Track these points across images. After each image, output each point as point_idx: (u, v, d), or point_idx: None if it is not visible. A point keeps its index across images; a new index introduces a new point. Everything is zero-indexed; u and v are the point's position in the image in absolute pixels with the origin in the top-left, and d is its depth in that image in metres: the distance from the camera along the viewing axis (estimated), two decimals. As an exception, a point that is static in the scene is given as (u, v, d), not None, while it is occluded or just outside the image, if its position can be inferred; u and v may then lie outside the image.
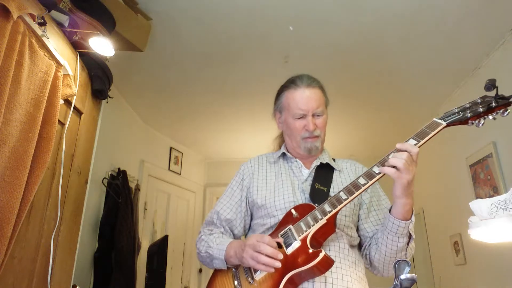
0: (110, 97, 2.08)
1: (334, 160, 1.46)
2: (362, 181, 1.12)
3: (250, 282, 1.15)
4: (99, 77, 1.94)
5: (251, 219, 1.40)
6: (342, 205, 1.12)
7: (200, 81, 3.08)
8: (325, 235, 1.16)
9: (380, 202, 1.36)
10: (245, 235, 1.43)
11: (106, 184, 3.01)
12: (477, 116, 1.11)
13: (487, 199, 1.08)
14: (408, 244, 1.18)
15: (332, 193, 1.29)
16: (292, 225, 1.17)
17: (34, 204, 1.49)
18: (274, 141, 1.59)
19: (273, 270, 1.08)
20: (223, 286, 1.22)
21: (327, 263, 1.09)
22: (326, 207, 1.15)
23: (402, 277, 0.84)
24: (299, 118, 1.33)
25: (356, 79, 2.99)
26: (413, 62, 2.77)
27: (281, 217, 1.25)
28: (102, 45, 1.82)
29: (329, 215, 1.12)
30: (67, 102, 1.69)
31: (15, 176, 1.26)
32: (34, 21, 1.41)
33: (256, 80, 3.04)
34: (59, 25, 1.67)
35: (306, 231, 1.13)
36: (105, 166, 3.08)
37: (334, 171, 1.39)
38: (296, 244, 1.12)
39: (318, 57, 2.67)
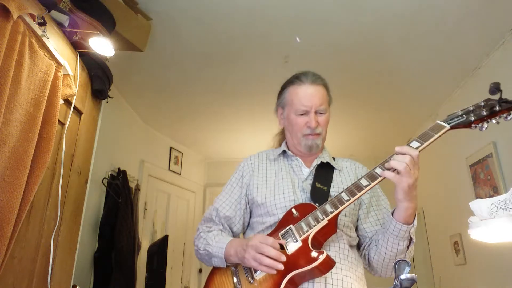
0: (110, 97, 2.08)
1: (334, 159, 1.46)
2: (364, 182, 1.12)
3: (250, 282, 1.15)
4: (99, 77, 1.94)
5: (250, 217, 1.39)
6: (344, 206, 1.12)
7: (200, 81, 3.08)
8: (326, 236, 1.16)
9: (379, 202, 1.36)
10: (244, 233, 1.42)
11: (106, 184, 3.01)
12: (481, 119, 1.10)
13: (487, 199, 1.08)
14: (408, 247, 1.18)
15: (332, 193, 1.29)
16: (293, 224, 1.17)
17: (34, 204, 1.49)
18: (274, 138, 1.58)
19: (275, 272, 1.07)
20: (222, 284, 1.21)
21: (329, 264, 1.09)
22: (328, 207, 1.14)
23: (402, 277, 0.84)
24: (302, 115, 1.33)
25: (356, 79, 2.99)
26: (413, 62, 2.77)
27: (281, 216, 1.24)
28: (102, 45, 1.82)
29: (330, 216, 1.12)
30: (67, 102, 1.69)
31: (15, 176, 1.26)
32: (34, 21, 1.41)
33: (256, 80, 3.05)
34: (59, 25, 1.67)
35: (307, 231, 1.13)
36: (105, 166, 3.08)
37: (334, 170, 1.39)
38: (297, 244, 1.12)
39: (318, 57, 2.67)
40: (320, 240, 1.15)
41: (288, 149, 1.44)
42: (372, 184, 1.10)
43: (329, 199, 1.26)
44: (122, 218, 2.92)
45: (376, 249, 1.24)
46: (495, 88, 1.09)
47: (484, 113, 1.10)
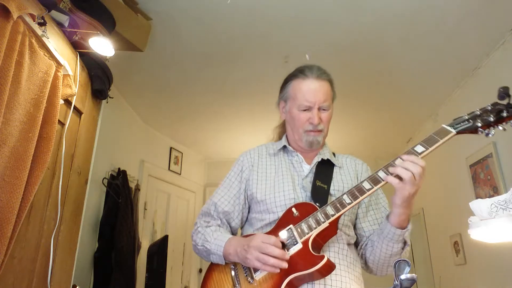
0: (110, 97, 2.08)
1: (334, 154, 1.44)
2: (367, 185, 1.10)
3: (249, 282, 1.15)
4: (99, 77, 1.94)
5: (249, 212, 1.37)
6: (346, 209, 1.11)
7: (200, 81, 3.08)
8: (326, 238, 1.16)
9: (378, 201, 1.36)
10: (242, 227, 1.40)
11: (106, 184, 3.01)
12: (487, 125, 1.08)
13: (487, 199, 1.08)
14: (403, 249, 1.19)
15: (332, 191, 1.29)
16: (293, 225, 1.17)
17: (34, 204, 1.49)
18: (274, 130, 1.55)
19: (279, 271, 1.08)
20: (220, 282, 1.21)
21: (329, 268, 1.09)
22: (329, 210, 1.13)
23: (402, 277, 0.84)
24: (304, 110, 1.30)
25: (356, 79, 2.99)
26: (413, 62, 2.77)
27: (280, 214, 1.24)
28: (102, 45, 1.82)
29: (332, 218, 1.12)
30: (67, 102, 1.69)
31: (15, 176, 1.26)
32: (34, 21, 1.41)
33: (256, 80, 3.05)
34: (59, 25, 1.67)
35: (308, 233, 1.12)
36: (105, 166, 3.08)
37: (334, 167, 1.37)
38: (297, 246, 1.11)
39: (318, 57, 2.67)
40: (320, 242, 1.15)
41: (289, 144, 1.41)
42: (375, 188, 1.09)
43: (329, 197, 1.27)
44: (122, 218, 2.92)
45: (371, 249, 1.24)
46: (504, 93, 1.06)
47: (491, 119, 1.07)
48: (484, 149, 2.66)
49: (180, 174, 4.41)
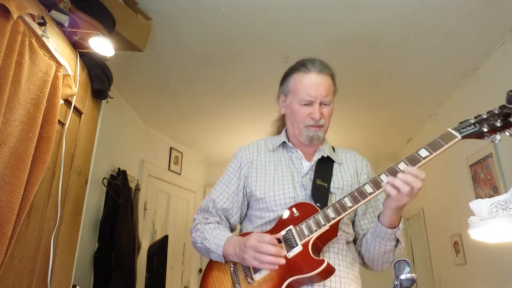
0: (110, 97, 2.08)
1: (333, 149, 1.43)
2: (369, 189, 1.09)
3: (249, 282, 1.15)
4: (99, 77, 1.94)
5: (248, 207, 1.37)
6: (346, 213, 1.11)
7: (200, 81, 3.08)
8: (326, 240, 1.16)
9: (377, 198, 1.35)
10: (241, 223, 1.40)
11: (106, 184, 3.01)
12: (494, 131, 1.04)
13: (487, 199, 1.08)
14: (396, 246, 1.20)
15: (332, 189, 1.28)
16: (293, 226, 1.16)
17: (34, 204, 1.48)
18: (273, 124, 1.52)
19: (277, 267, 1.08)
20: (220, 281, 1.21)
21: (329, 272, 1.09)
22: (330, 212, 1.12)
23: (402, 277, 0.85)
24: (306, 105, 1.27)
25: (356, 79, 2.98)
26: (413, 62, 2.77)
27: (280, 212, 1.23)
28: (102, 45, 1.82)
29: (332, 222, 1.11)
30: (67, 102, 1.69)
31: (15, 176, 1.26)
32: (34, 21, 1.41)
33: (256, 80, 3.05)
34: (59, 25, 1.67)
35: (308, 235, 1.12)
36: (105, 166, 3.08)
37: (334, 164, 1.36)
38: (297, 249, 1.11)
39: (318, 57, 2.66)
40: (320, 244, 1.15)
41: (288, 140, 1.39)
42: (376, 192, 1.08)
43: (329, 195, 1.26)
44: (122, 218, 2.92)
45: (366, 246, 1.25)
46: None
47: (498, 124, 1.03)
48: (484, 149, 2.66)
49: (180, 174, 4.41)
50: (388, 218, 1.12)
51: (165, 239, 2.99)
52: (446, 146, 1.06)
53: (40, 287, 1.51)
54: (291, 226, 1.17)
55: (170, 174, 4.25)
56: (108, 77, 2.02)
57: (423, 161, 1.06)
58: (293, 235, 1.14)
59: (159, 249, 2.97)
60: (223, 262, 1.22)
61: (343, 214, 1.11)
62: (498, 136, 1.04)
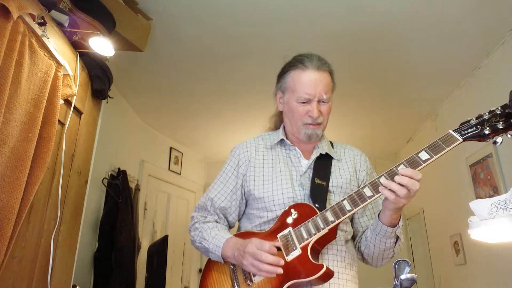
0: (110, 97, 2.08)
1: (332, 145, 1.41)
2: (368, 192, 1.08)
3: (248, 284, 1.15)
4: (99, 77, 1.94)
5: (246, 206, 1.36)
6: (345, 216, 1.10)
7: (200, 81, 3.08)
8: (325, 242, 1.16)
9: None
10: (239, 220, 1.39)
11: (106, 184, 3.01)
12: (495, 133, 1.01)
13: (487, 199, 1.08)
14: (395, 243, 1.20)
15: (331, 187, 1.28)
16: (292, 228, 1.16)
17: (34, 204, 1.48)
18: (270, 119, 1.50)
19: (274, 275, 1.08)
20: (220, 283, 1.21)
21: (328, 276, 1.09)
22: (329, 215, 1.12)
23: (402, 277, 0.85)
24: (303, 103, 1.25)
25: (356, 79, 2.98)
26: (413, 62, 2.77)
27: (279, 212, 1.23)
28: (102, 45, 1.82)
29: (331, 225, 1.11)
30: (67, 102, 1.69)
31: (15, 176, 1.26)
32: (34, 21, 1.41)
33: (256, 80, 3.04)
34: (59, 25, 1.67)
35: (307, 239, 1.12)
36: (105, 166, 3.08)
37: (333, 160, 1.35)
38: (296, 252, 1.11)
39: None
40: (319, 247, 1.15)
41: (286, 136, 1.37)
42: (376, 196, 1.08)
43: (328, 194, 1.26)
44: (122, 218, 2.92)
45: (365, 244, 1.25)
46: None
47: (500, 126, 1.00)
48: (484, 149, 2.66)
49: (180, 174, 4.41)
50: (388, 217, 1.13)
51: (165, 239, 2.99)
52: (447, 149, 1.04)
53: (40, 287, 1.51)
54: (290, 229, 1.16)
55: (170, 174, 4.25)
56: (108, 77, 2.02)
57: (423, 165, 1.05)
58: (292, 238, 1.14)
59: (159, 249, 2.97)
60: (222, 262, 1.23)
61: (342, 218, 1.10)
62: (499, 139, 1.02)
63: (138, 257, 3.18)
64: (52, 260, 1.56)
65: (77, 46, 1.80)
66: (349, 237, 1.30)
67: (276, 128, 1.46)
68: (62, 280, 1.66)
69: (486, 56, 2.65)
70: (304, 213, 1.17)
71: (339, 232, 1.24)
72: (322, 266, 1.07)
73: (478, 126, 1.03)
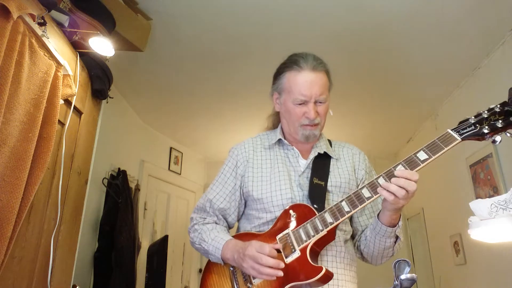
0: (110, 97, 2.08)
1: (330, 143, 1.41)
2: (366, 193, 1.08)
3: (248, 287, 1.15)
4: (99, 77, 1.94)
5: (245, 206, 1.36)
6: (344, 218, 1.10)
7: (200, 81, 3.08)
8: (324, 243, 1.16)
9: None
10: (239, 220, 1.39)
11: (106, 184, 3.01)
12: (495, 131, 1.00)
13: (487, 199, 1.08)
14: (395, 242, 1.20)
15: (329, 187, 1.27)
16: (291, 230, 1.16)
17: (34, 204, 1.48)
18: (268, 119, 1.49)
19: (275, 278, 1.08)
20: (220, 285, 1.21)
21: (328, 278, 1.09)
22: (327, 217, 1.12)
23: (402, 277, 0.85)
24: (300, 104, 1.24)
25: (356, 79, 2.99)
26: (413, 62, 2.77)
27: (278, 213, 1.23)
28: (102, 45, 1.82)
29: (330, 227, 1.11)
30: (67, 102, 1.69)
31: (15, 176, 1.26)
32: (34, 21, 1.41)
33: (256, 80, 3.04)
34: (59, 25, 1.67)
35: (306, 241, 1.12)
36: (105, 166, 3.08)
37: (331, 160, 1.34)
38: (295, 254, 1.11)
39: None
40: (318, 249, 1.15)
41: (284, 136, 1.37)
42: (374, 197, 1.07)
43: (327, 194, 1.26)
44: (122, 218, 2.92)
45: (365, 243, 1.26)
46: None
47: (499, 125, 0.99)
48: (484, 149, 2.66)
49: (180, 174, 4.41)
50: (387, 217, 1.13)
51: (165, 239, 2.98)
52: (446, 149, 1.03)
53: (40, 287, 1.51)
54: (289, 230, 1.16)
55: (170, 174, 4.25)
56: (108, 77, 2.02)
57: (422, 165, 1.04)
58: (291, 240, 1.14)
59: (159, 249, 2.96)
60: (222, 264, 1.23)
61: (340, 220, 1.10)
62: (498, 137, 1.01)
63: (138, 257, 3.18)
64: (52, 260, 1.56)
65: (77, 46, 1.80)
66: (348, 236, 1.30)
67: (274, 127, 1.46)
68: (62, 280, 1.66)
69: (486, 56, 2.65)
70: (302, 214, 1.17)
71: (338, 232, 1.24)
72: (321, 268, 1.07)
73: (477, 125, 1.02)
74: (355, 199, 1.09)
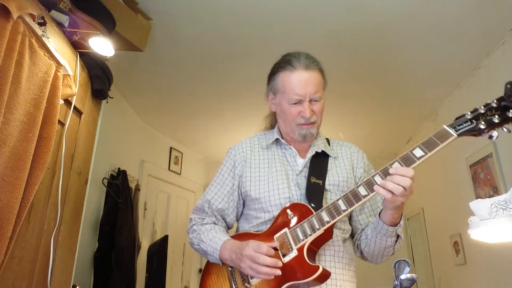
0: (110, 97, 2.08)
1: (328, 142, 1.41)
2: (363, 191, 1.07)
3: (246, 286, 1.16)
4: (99, 77, 1.94)
5: (243, 206, 1.36)
6: (340, 216, 1.10)
7: (200, 81, 3.08)
8: (322, 242, 1.16)
9: None
10: (237, 220, 1.40)
11: (106, 184, 3.01)
12: (491, 127, 0.99)
13: (487, 199, 1.08)
14: (396, 241, 1.20)
15: (327, 186, 1.27)
16: (288, 229, 1.16)
17: (34, 204, 1.49)
18: (265, 119, 1.50)
19: (273, 277, 1.08)
20: (219, 285, 1.22)
21: (325, 277, 1.09)
22: (324, 215, 1.12)
23: (402, 277, 0.85)
24: (295, 104, 1.24)
25: (356, 79, 2.99)
26: (413, 62, 2.77)
27: (275, 213, 1.23)
28: (102, 45, 1.82)
29: (327, 225, 1.11)
30: (67, 102, 1.69)
31: (15, 176, 1.26)
32: (34, 21, 1.41)
33: (256, 80, 3.04)
34: (59, 25, 1.67)
35: (303, 240, 1.12)
36: (105, 166, 3.08)
37: (329, 158, 1.34)
38: (292, 254, 1.12)
39: (318, 57, 2.67)
40: (315, 248, 1.16)
41: (281, 136, 1.37)
42: (371, 195, 1.07)
43: (325, 192, 1.26)
44: (122, 218, 2.92)
45: (366, 242, 1.25)
46: None
47: (496, 120, 0.98)
48: (484, 149, 2.66)
49: (180, 174, 4.41)
50: (389, 216, 1.12)
51: (165, 239, 2.99)
52: (441, 145, 1.01)
53: (40, 287, 1.51)
54: (286, 229, 1.16)
55: (170, 174, 4.25)
56: (108, 77, 2.02)
57: (418, 162, 1.03)
58: (288, 239, 1.14)
59: (159, 249, 2.96)
60: (221, 264, 1.23)
61: (337, 218, 1.10)
62: (495, 132, 0.99)
63: (138, 257, 3.18)
64: (52, 260, 1.56)
65: (77, 46, 1.80)
66: (347, 235, 1.29)
67: (272, 127, 1.46)
68: (62, 280, 1.66)
69: (486, 56, 2.65)
70: (300, 213, 1.17)
71: (336, 231, 1.24)
72: (318, 267, 1.07)
73: (473, 121, 1.01)
74: (352, 197, 1.09)
